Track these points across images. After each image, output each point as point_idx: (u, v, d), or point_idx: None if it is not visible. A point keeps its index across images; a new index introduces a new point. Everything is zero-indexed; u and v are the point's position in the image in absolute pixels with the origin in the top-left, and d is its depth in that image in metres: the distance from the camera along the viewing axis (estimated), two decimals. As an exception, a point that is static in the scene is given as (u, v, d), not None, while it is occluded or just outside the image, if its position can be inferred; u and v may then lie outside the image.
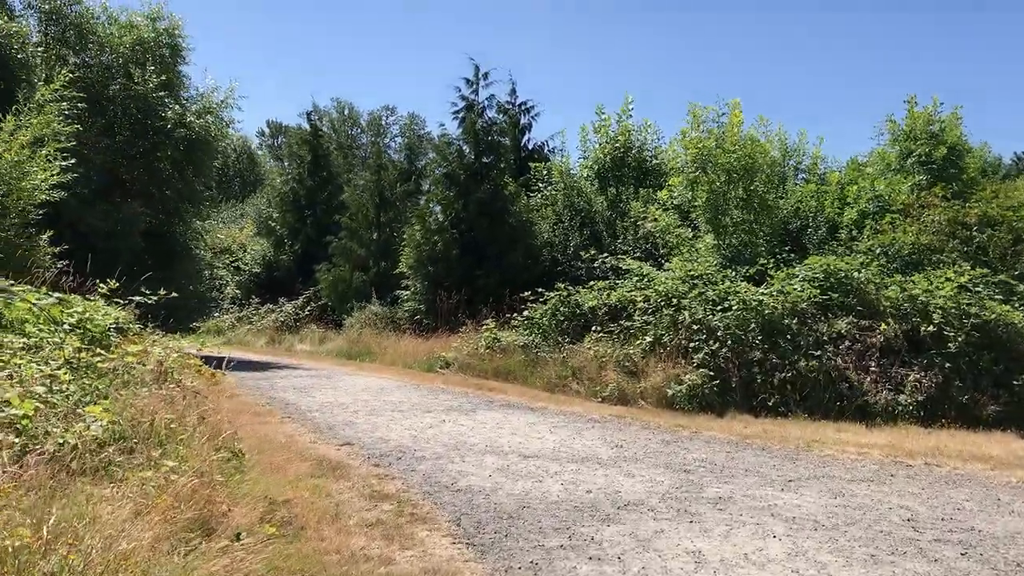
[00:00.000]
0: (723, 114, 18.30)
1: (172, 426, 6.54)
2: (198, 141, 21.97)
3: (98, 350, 8.13)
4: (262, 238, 35.47)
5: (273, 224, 34.38)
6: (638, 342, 14.67)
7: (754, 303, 13.94)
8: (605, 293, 16.48)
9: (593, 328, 15.87)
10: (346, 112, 74.25)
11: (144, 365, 7.86)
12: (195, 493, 5.09)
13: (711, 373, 13.28)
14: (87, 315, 9.94)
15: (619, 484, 7.60)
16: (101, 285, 9.94)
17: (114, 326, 10.79)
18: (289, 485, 7.15)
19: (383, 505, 6.73)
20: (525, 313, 17.64)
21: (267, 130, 77.54)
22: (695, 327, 14.07)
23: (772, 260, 16.03)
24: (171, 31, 22.73)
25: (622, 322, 15.41)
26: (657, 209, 19.97)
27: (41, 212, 15.39)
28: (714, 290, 14.83)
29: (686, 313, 14.36)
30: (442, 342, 19.74)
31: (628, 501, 6.95)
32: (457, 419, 11.41)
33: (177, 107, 21.33)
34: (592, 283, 17.26)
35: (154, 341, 10.97)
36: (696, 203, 18.32)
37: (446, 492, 7.20)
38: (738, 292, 14.32)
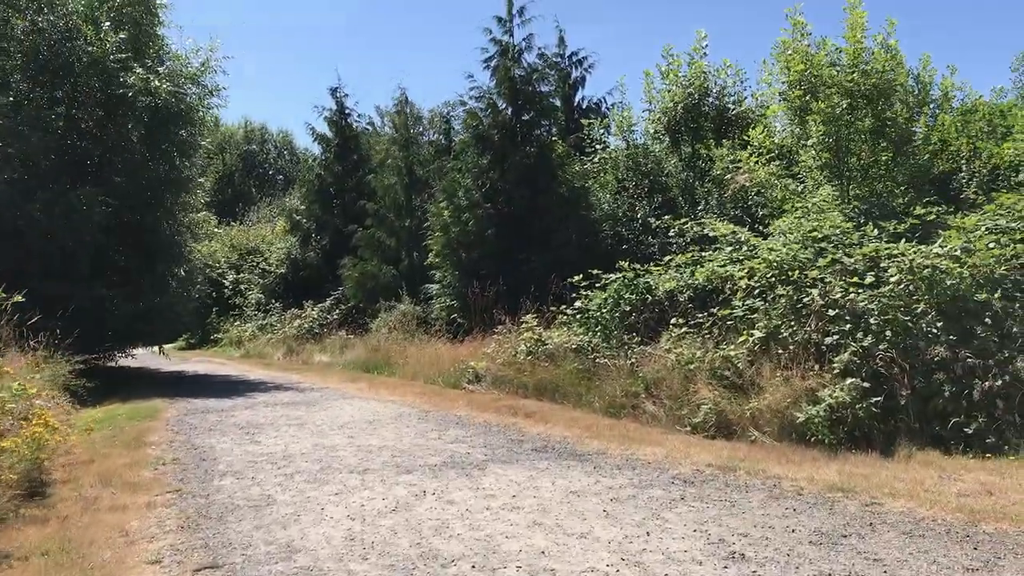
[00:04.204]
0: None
1: None
2: (171, 112, 17.79)
3: None
4: (290, 235, 31.44)
5: (299, 217, 30.30)
6: (741, 339, 9.80)
7: (924, 270, 8.93)
8: (688, 271, 11.65)
9: (672, 321, 11.08)
10: (413, 122, 70.20)
11: None
12: None
13: (865, 384, 8.34)
14: None
15: None
16: None
17: None
18: None
19: None
20: (577, 304, 12.95)
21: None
22: (831, 312, 9.15)
23: (928, 211, 10.93)
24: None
25: (715, 310, 10.59)
26: (751, 157, 14.95)
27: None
28: (854, 255, 9.87)
29: (814, 292, 9.44)
30: (475, 347, 15.17)
31: None
32: (450, 486, 6.76)
33: (140, 71, 17.10)
34: (669, 258, 12.46)
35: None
36: (808, 141, 13.29)
37: None
38: (897, 255, 9.33)
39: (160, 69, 17.85)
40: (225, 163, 54.43)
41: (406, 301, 21.44)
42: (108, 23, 17.42)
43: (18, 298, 8.16)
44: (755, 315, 10.02)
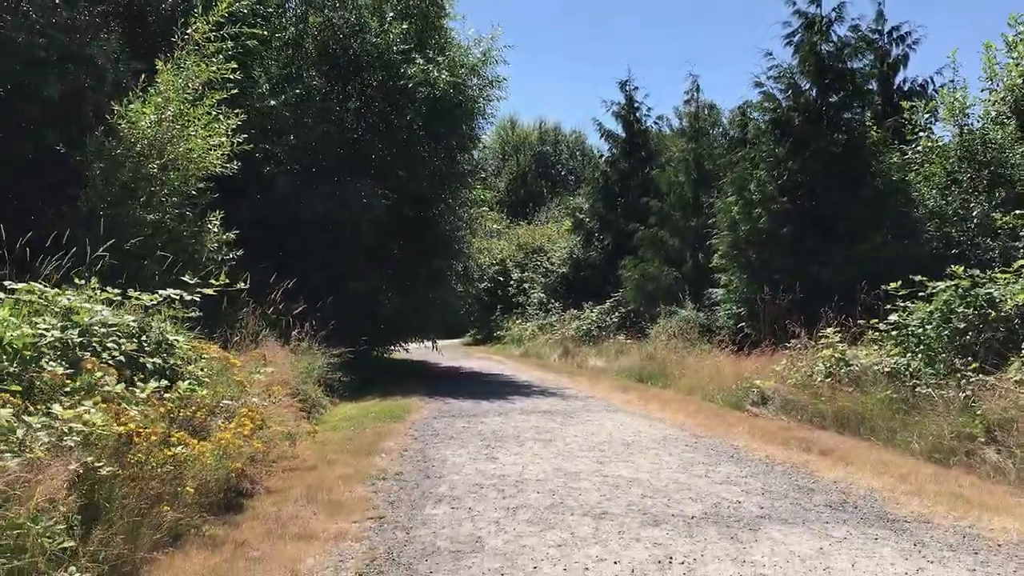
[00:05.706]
0: None
1: None
2: (451, 103, 17.43)
3: None
4: (573, 234, 30.79)
5: (582, 216, 29.52)
6: None
7: None
8: (1050, 280, 8.94)
9: (1025, 346, 8.47)
10: (705, 112, 68.02)
11: None
12: None
13: None
14: None
15: None
16: None
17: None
18: None
19: None
20: (892, 318, 10.54)
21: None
22: None
23: None
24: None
25: (1091, 335, 7.89)
26: None
27: (211, 188, 11.29)
28: None
29: None
30: (762, 363, 13.13)
31: None
32: (706, 554, 5.06)
33: (420, 61, 16.90)
34: (1020, 264, 9.71)
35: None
36: None
37: None
38: None
39: (439, 59, 17.51)
40: (519, 164, 55.63)
41: (688, 306, 19.71)
42: (392, 14, 17.46)
43: (239, 286, 7.61)
44: None
